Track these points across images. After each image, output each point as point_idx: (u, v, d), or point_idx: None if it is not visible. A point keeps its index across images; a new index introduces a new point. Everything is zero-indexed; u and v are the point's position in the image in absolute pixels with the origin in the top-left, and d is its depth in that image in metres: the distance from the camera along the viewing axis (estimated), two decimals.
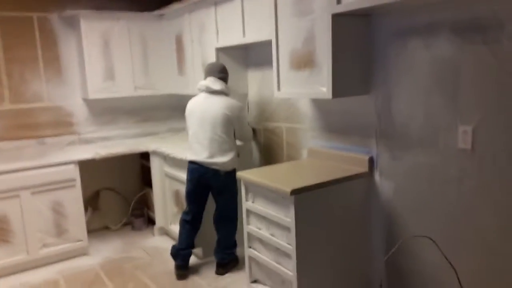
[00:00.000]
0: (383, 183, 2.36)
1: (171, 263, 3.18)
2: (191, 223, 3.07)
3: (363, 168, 2.40)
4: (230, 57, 3.30)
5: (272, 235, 2.40)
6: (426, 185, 2.12)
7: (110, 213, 4.15)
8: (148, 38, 3.95)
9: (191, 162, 2.97)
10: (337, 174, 2.35)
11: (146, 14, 3.92)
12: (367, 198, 2.44)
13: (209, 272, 3.14)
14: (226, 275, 3.10)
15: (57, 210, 3.39)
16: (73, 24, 3.81)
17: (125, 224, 4.18)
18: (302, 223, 2.20)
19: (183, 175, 3.24)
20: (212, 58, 3.27)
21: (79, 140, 4.01)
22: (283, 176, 2.50)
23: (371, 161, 2.39)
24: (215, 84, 2.89)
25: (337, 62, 2.18)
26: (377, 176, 2.39)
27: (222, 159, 2.88)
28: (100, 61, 3.75)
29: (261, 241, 2.50)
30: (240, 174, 2.57)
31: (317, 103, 2.74)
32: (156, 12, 3.88)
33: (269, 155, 3.33)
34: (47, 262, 3.38)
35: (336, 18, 2.14)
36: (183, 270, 3.09)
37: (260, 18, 2.72)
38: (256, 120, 3.40)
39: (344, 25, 2.19)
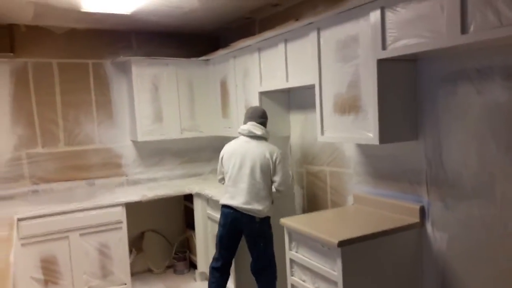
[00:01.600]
0: (436, 235, 2.20)
1: None
2: (221, 271, 2.98)
3: (414, 218, 2.26)
4: (273, 100, 3.32)
5: None
6: (483, 237, 1.95)
7: (154, 256, 4.17)
8: (195, 83, 4.09)
9: (225, 206, 2.90)
10: (386, 225, 2.23)
11: (193, 60, 4.07)
12: (418, 250, 2.28)
13: None
14: None
15: (103, 252, 3.45)
16: (125, 70, 4.03)
17: (168, 267, 4.18)
18: (349, 276, 2.08)
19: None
20: (255, 101, 3.31)
21: (127, 181, 4.13)
22: (328, 225, 2.41)
23: (422, 210, 2.25)
24: (256, 128, 2.89)
25: (383, 107, 2.12)
26: (429, 227, 2.24)
27: (259, 207, 2.79)
28: (149, 104, 3.90)
29: None
30: (283, 220, 2.50)
31: (363, 148, 2.66)
32: (203, 58, 4.03)
33: (312, 200, 3.24)
34: None
35: (382, 63, 2.11)
36: None
37: (303, 63, 2.73)
38: (299, 163, 3.35)
39: (390, 69, 2.14)
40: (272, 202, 2.92)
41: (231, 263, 3.03)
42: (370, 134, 2.17)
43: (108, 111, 4.05)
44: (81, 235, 3.36)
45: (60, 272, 3.30)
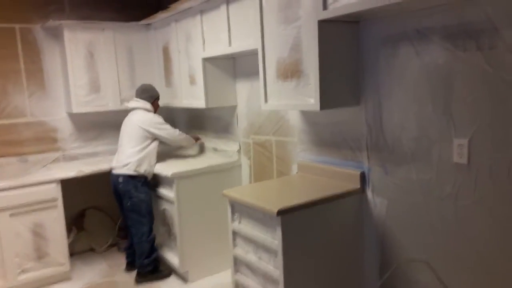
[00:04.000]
0: (376, 200, 2.19)
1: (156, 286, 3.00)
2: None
3: (355, 185, 2.23)
4: (218, 67, 3.17)
5: (259, 258, 2.23)
6: (420, 201, 1.95)
7: (96, 234, 3.96)
8: (135, 49, 3.82)
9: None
10: (327, 192, 2.18)
11: (132, 24, 3.79)
12: (359, 216, 2.27)
13: None
14: None
15: (38, 233, 3.21)
16: (57, 35, 3.69)
17: (111, 246, 3.99)
18: (290, 245, 2.03)
19: (170, 194, 3.11)
20: (199, 68, 3.15)
21: (63, 157, 3.85)
22: (271, 194, 2.34)
23: (363, 177, 2.23)
24: (132, 103, 3.39)
25: (325, 71, 2.04)
26: (369, 193, 2.22)
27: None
28: (84, 73, 3.61)
29: (248, 265, 2.32)
30: (226, 192, 2.40)
31: (306, 115, 2.58)
32: (143, 22, 3.76)
33: (259, 171, 3.17)
34: None
35: (323, 25, 2.00)
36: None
37: (246, 26, 2.59)
38: (246, 133, 3.25)
39: (331, 32, 2.05)
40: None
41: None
42: (311, 100, 2.09)
43: (40, 81, 3.72)
44: (11, 215, 3.09)
45: None
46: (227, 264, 3.14)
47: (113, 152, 3.99)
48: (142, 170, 3.18)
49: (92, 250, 3.93)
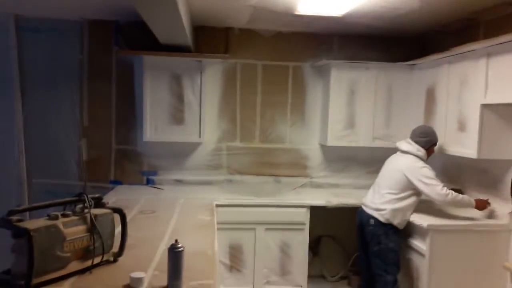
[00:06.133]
0: None
1: None
2: None
3: None
4: (499, 115, 2.80)
5: None
6: None
7: (329, 263, 4.07)
8: (394, 89, 3.80)
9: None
10: None
11: (396, 64, 3.79)
12: None
13: None
14: None
15: (284, 250, 3.50)
16: (322, 73, 4.01)
17: (342, 278, 4.02)
18: None
19: (422, 246, 2.91)
20: (473, 114, 2.86)
21: (310, 183, 4.12)
22: None
23: None
24: (403, 144, 3.15)
25: None
26: None
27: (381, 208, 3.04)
28: (343, 109, 3.80)
29: None
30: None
31: None
32: (409, 62, 3.70)
33: None
34: None
35: None
36: None
37: None
38: None
39: None
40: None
41: None
42: None
43: (301, 113, 4.10)
44: (266, 229, 3.46)
45: (244, 261, 3.46)
46: None
47: (356, 186, 4.09)
48: (395, 222, 3.00)
49: (322, 277, 4.04)
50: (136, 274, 1.68)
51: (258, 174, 4.08)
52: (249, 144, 4.06)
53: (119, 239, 1.91)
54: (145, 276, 1.72)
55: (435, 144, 3.14)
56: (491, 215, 2.99)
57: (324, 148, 4.09)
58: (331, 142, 3.82)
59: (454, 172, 3.52)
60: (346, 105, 3.79)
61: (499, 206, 2.97)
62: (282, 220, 3.48)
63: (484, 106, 2.78)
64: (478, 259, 2.83)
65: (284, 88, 4.07)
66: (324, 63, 3.84)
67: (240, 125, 4.04)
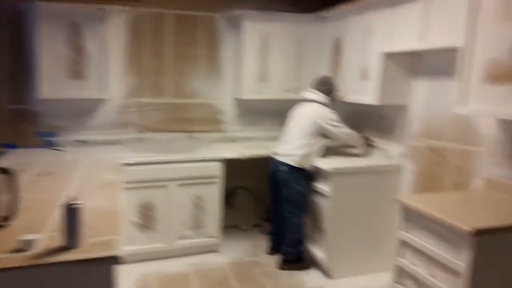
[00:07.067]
0: None
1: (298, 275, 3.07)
2: None
3: None
4: (396, 63, 2.99)
5: (432, 276, 2.03)
6: None
7: (242, 213, 4.16)
8: (304, 41, 3.84)
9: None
10: None
11: (306, 16, 3.80)
12: None
13: None
14: None
15: (198, 204, 3.48)
16: (234, 24, 3.89)
17: (254, 226, 4.15)
18: (479, 270, 1.79)
19: (325, 188, 3.07)
20: (375, 63, 3.00)
21: (224, 137, 4.11)
22: (454, 209, 2.10)
23: None
24: (309, 94, 3.33)
25: None
26: None
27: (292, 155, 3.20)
28: (256, 62, 3.76)
29: (415, 279, 2.15)
30: (401, 198, 2.25)
31: (509, 126, 2.25)
32: (318, 14, 3.73)
33: (426, 178, 2.91)
34: (180, 254, 3.46)
35: None
36: None
37: (448, 21, 2.35)
38: (417, 136, 3.01)
39: None
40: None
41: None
42: None
43: (215, 67, 3.99)
44: (179, 185, 3.40)
45: (156, 219, 3.38)
46: (374, 268, 3.15)
47: (268, 139, 4.14)
48: (307, 165, 3.19)
49: (236, 227, 4.13)
50: (27, 236, 1.55)
51: (170, 131, 3.95)
52: (160, 99, 3.89)
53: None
54: (39, 237, 1.59)
55: (335, 91, 3.37)
56: (370, 150, 3.46)
57: (237, 101, 4.06)
58: (246, 95, 3.80)
59: (355, 119, 3.73)
60: (259, 57, 3.76)
61: (392, 147, 3.27)
62: (195, 175, 3.43)
63: (385, 55, 2.92)
64: (374, 195, 3.14)
65: (196, 39, 3.90)
66: (236, 13, 3.73)
67: (149, 80, 3.82)
